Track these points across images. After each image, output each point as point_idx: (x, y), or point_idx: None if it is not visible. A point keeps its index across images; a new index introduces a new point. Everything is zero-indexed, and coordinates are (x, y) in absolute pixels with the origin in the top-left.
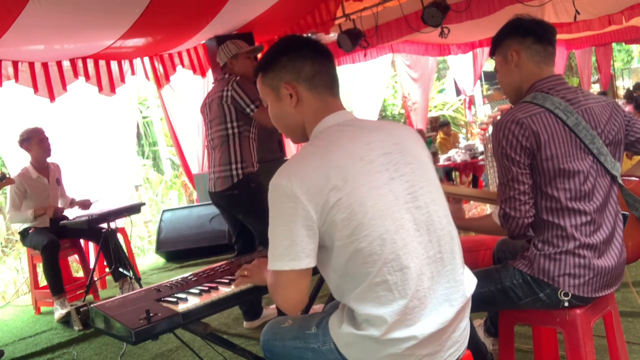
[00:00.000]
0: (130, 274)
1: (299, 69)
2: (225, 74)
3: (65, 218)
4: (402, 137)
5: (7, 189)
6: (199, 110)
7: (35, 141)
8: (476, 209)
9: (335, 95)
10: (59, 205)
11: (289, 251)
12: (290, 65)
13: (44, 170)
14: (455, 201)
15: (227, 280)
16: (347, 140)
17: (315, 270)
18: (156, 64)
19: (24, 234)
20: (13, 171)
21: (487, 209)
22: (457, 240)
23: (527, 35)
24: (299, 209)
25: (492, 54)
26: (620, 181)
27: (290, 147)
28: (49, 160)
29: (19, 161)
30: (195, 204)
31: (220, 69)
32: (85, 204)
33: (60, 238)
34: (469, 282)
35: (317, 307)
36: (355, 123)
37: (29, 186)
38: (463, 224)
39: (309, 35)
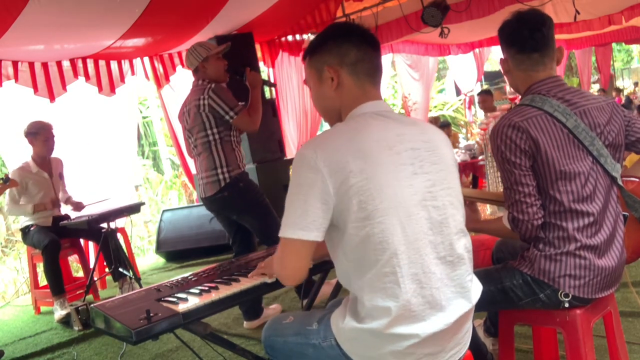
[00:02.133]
0: (130, 274)
1: (344, 54)
2: (199, 80)
3: (66, 218)
4: (433, 136)
5: None
6: (177, 117)
7: (41, 138)
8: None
9: (375, 84)
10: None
11: (300, 220)
12: (335, 50)
13: (44, 164)
14: (470, 203)
15: (227, 280)
16: (378, 128)
17: (315, 270)
18: (156, 64)
19: (25, 232)
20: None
21: (487, 208)
22: (470, 247)
23: (510, 45)
24: (318, 180)
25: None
26: (621, 182)
27: (291, 148)
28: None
29: (18, 160)
30: (195, 204)
31: (192, 74)
32: (79, 206)
33: (60, 238)
34: (475, 290)
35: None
36: (390, 115)
37: (30, 180)
38: (477, 227)
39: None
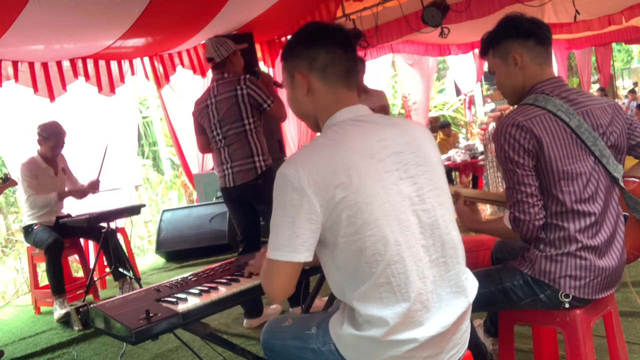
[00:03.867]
0: (130, 274)
1: (312, 58)
2: (224, 74)
3: (68, 217)
4: (415, 136)
5: (19, 178)
6: (192, 113)
7: (50, 144)
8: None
9: (349, 87)
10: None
11: (290, 242)
12: (304, 54)
13: (50, 162)
14: (471, 204)
15: (227, 281)
16: (358, 136)
17: (315, 270)
18: (156, 64)
19: (27, 230)
20: (13, 171)
21: (487, 208)
22: (461, 245)
23: (528, 37)
24: (304, 201)
25: (484, 54)
26: (622, 183)
27: (290, 147)
28: None
29: (18, 161)
30: (195, 204)
31: (214, 67)
32: (94, 186)
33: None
34: (471, 286)
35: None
36: (369, 119)
37: (40, 173)
38: (478, 227)
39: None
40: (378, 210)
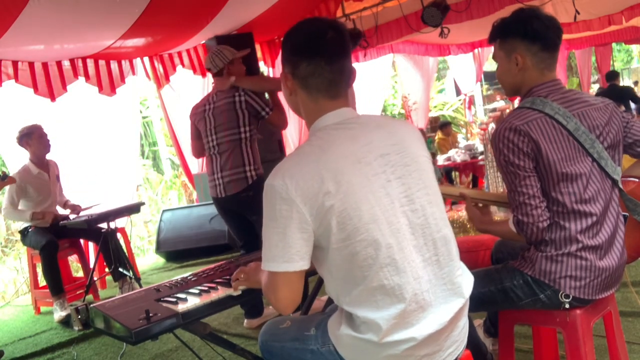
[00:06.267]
0: (130, 274)
1: (295, 65)
2: None
3: (66, 218)
4: (402, 136)
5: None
6: (189, 117)
7: (35, 137)
8: None
9: (332, 97)
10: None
11: (283, 253)
12: (289, 58)
13: (44, 166)
14: (484, 206)
15: (226, 280)
16: (344, 142)
17: (313, 272)
18: (156, 64)
19: (23, 233)
20: (13, 170)
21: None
22: (454, 242)
23: (535, 41)
24: (293, 211)
25: (491, 40)
26: (621, 185)
27: (290, 148)
28: (47, 157)
29: (18, 160)
30: (195, 204)
31: (213, 75)
32: (76, 209)
33: (59, 238)
34: (467, 283)
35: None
36: (354, 122)
37: (30, 183)
38: (485, 228)
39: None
40: (367, 215)
